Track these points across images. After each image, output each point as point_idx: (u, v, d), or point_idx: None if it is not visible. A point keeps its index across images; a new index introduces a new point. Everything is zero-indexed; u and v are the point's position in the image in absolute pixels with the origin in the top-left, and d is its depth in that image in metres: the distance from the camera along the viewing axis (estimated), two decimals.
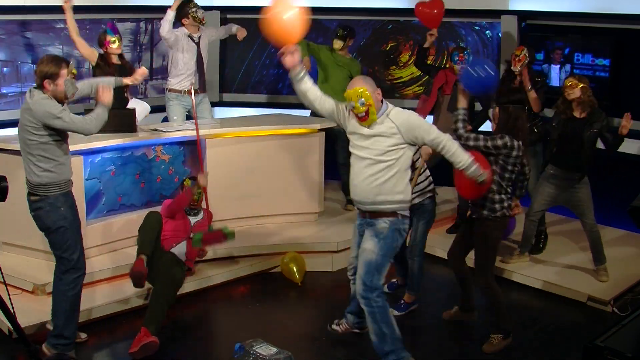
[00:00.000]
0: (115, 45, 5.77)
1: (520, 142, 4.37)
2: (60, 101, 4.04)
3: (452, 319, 4.95)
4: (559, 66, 6.99)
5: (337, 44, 6.63)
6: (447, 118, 6.18)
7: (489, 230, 4.43)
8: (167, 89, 6.64)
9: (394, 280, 5.33)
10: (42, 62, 4.00)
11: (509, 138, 4.33)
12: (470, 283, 4.78)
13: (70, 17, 5.77)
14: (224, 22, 7.90)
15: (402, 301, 5.09)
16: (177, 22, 6.50)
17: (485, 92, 4.41)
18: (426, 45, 6.43)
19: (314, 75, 7.07)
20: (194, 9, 6.41)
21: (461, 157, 3.99)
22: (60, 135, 4.06)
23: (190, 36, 6.48)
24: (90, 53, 5.89)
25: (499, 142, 4.31)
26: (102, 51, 5.79)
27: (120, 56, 5.90)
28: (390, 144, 3.95)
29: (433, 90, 6.37)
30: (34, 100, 3.95)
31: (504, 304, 4.53)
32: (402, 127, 3.94)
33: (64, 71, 3.99)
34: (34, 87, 4.03)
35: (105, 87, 4.28)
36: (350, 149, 4.13)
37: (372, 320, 4.06)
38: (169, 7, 6.28)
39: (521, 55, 5.80)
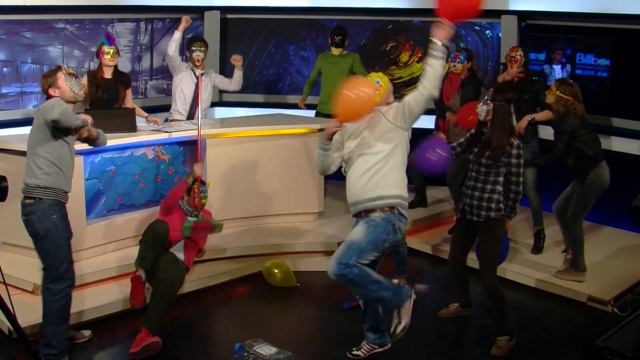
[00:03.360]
0: (108, 57, 5.80)
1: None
2: (72, 101, 4.16)
3: (451, 317, 4.97)
4: (560, 66, 6.99)
5: (336, 51, 6.85)
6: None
7: (496, 229, 4.49)
8: (169, 119, 6.50)
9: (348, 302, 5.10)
10: (41, 78, 4.23)
11: (516, 142, 4.41)
12: (468, 280, 4.86)
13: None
14: (223, 22, 7.89)
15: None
16: (182, 55, 6.44)
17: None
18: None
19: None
20: (194, 49, 6.22)
21: (435, 67, 3.84)
22: (65, 139, 4.06)
23: (192, 69, 6.31)
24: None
25: (521, 152, 4.43)
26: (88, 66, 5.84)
27: (115, 71, 5.90)
28: (381, 129, 3.96)
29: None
30: (45, 102, 4.09)
31: (509, 304, 4.53)
32: (387, 113, 3.99)
33: (59, 73, 4.15)
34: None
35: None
36: (346, 162, 4.11)
37: (356, 289, 3.96)
38: (176, 29, 6.19)
39: (517, 57, 5.83)
